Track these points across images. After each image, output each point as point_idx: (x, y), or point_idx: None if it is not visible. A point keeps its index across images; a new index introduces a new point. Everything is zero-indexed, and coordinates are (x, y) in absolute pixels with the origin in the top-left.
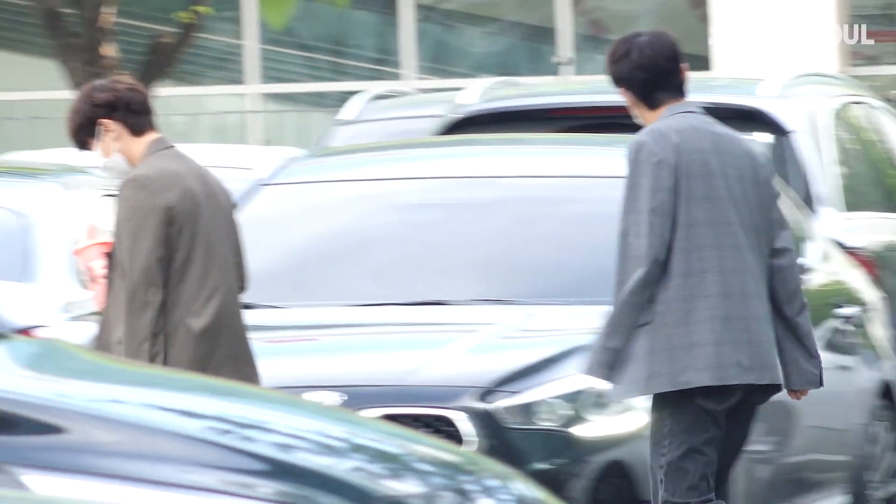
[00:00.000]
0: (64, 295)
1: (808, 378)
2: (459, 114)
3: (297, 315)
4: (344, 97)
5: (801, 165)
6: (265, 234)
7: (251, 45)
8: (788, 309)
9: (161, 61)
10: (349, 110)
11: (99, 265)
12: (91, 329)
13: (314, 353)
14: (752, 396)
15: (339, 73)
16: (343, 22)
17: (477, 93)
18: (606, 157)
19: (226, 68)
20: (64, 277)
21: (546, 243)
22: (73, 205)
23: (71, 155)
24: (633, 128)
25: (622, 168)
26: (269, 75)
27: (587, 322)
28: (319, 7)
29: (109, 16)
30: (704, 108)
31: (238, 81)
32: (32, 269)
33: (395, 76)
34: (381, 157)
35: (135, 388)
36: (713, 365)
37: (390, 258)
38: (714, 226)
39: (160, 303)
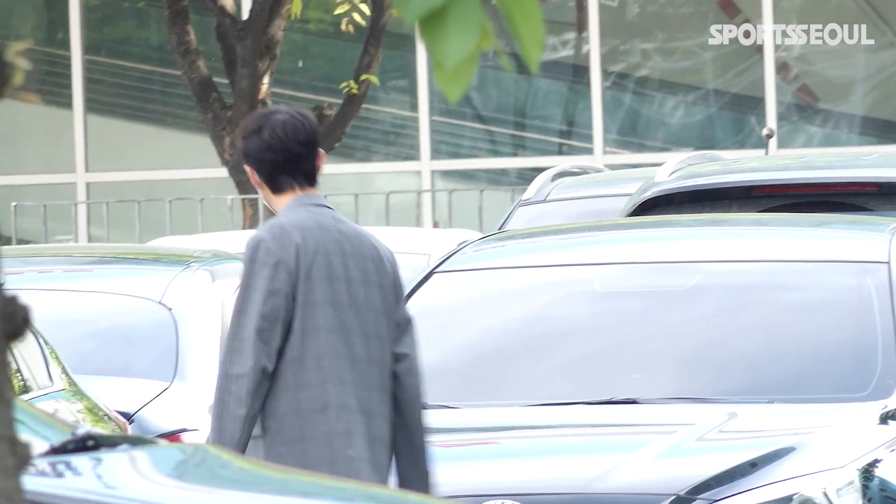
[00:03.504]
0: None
1: None
2: (652, 192)
3: (473, 416)
4: (526, 174)
5: None
6: (436, 326)
7: (424, 118)
8: (406, 419)
9: (324, 135)
10: (532, 189)
11: None
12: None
13: (492, 458)
14: None
15: (521, 147)
16: (524, 91)
17: (672, 169)
18: (819, 239)
19: (398, 143)
20: (213, 376)
21: (753, 335)
22: (222, 296)
23: (222, 240)
24: (846, 207)
25: (837, 251)
26: (444, 150)
27: (796, 422)
28: (498, 75)
29: (266, 85)
30: None
31: (410, 157)
32: (180, 367)
33: (582, 151)
34: (566, 241)
35: (290, 499)
36: None
37: (576, 353)
38: (334, 334)
39: None
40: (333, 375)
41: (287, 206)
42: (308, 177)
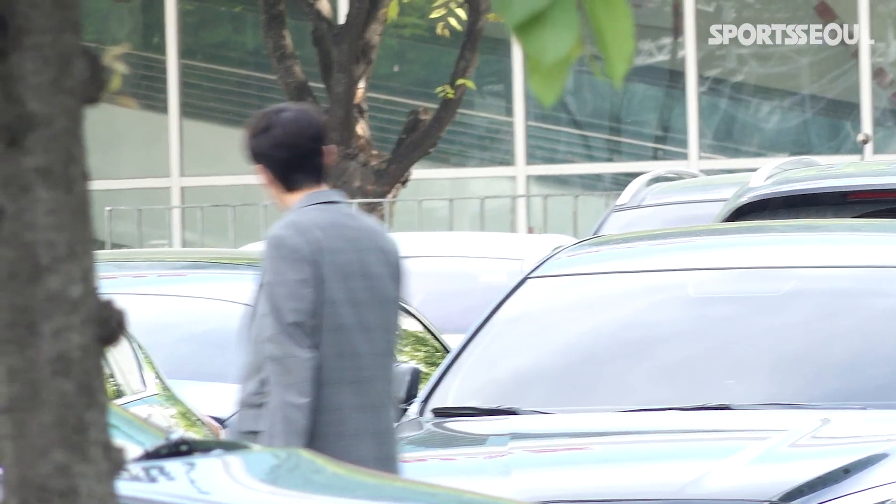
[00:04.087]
0: None
1: None
2: (748, 198)
3: (566, 422)
4: (620, 179)
5: None
6: (530, 331)
7: (519, 123)
8: None
9: (419, 140)
10: (626, 194)
11: None
12: None
13: (585, 463)
14: None
15: (616, 152)
16: (619, 96)
17: (768, 174)
18: None
19: (492, 148)
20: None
21: (846, 340)
22: None
23: None
24: None
25: None
26: (539, 155)
27: (890, 429)
28: (593, 80)
29: (362, 90)
30: None
31: (505, 162)
32: None
33: (677, 156)
34: (660, 246)
35: None
36: None
37: (670, 358)
38: (353, 332)
39: None
40: (350, 375)
41: (298, 203)
42: (319, 173)
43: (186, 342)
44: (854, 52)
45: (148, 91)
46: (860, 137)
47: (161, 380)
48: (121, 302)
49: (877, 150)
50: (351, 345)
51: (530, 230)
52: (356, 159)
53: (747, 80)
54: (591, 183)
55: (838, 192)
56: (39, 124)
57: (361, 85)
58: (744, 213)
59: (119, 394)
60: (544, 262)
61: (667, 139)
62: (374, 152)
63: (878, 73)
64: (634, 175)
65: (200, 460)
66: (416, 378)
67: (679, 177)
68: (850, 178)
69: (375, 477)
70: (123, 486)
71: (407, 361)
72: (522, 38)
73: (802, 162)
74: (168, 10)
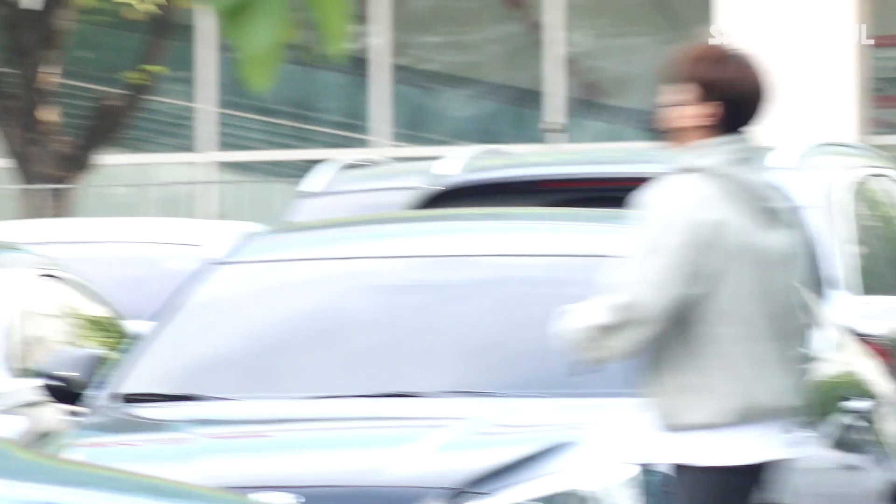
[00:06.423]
0: None
1: None
2: (439, 186)
3: (250, 408)
4: (307, 166)
5: (814, 244)
6: (219, 318)
7: (205, 109)
8: None
9: (106, 126)
10: (314, 181)
11: None
12: (23, 422)
13: (267, 450)
14: None
15: (303, 139)
16: (307, 83)
17: (458, 162)
18: (601, 234)
19: (177, 134)
20: None
21: (533, 330)
22: (5, 285)
23: (3, 230)
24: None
25: (619, 246)
26: (225, 142)
27: (571, 417)
28: (282, 66)
29: (51, 76)
30: None
31: (190, 149)
32: None
33: (365, 143)
34: (349, 234)
35: (72, 490)
36: None
37: (357, 346)
38: None
39: None
40: None
41: None
42: None
43: None
44: (542, 42)
45: None
46: (546, 126)
47: None
48: None
49: (563, 140)
50: None
51: (217, 217)
52: (42, 145)
53: (436, 68)
54: (277, 170)
55: (528, 181)
56: None
57: (50, 70)
58: (434, 201)
59: None
60: (236, 249)
61: (355, 126)
62: (61, 138)
63: (566, 62)
64: (321, 162)
65: None
66: (96, 363)
67: (370, 164)
68: (540, 167)
69: (67, 464)
70: None
71: (90, 347)
72: (228, 27)
73: (491, 151)
74: None
